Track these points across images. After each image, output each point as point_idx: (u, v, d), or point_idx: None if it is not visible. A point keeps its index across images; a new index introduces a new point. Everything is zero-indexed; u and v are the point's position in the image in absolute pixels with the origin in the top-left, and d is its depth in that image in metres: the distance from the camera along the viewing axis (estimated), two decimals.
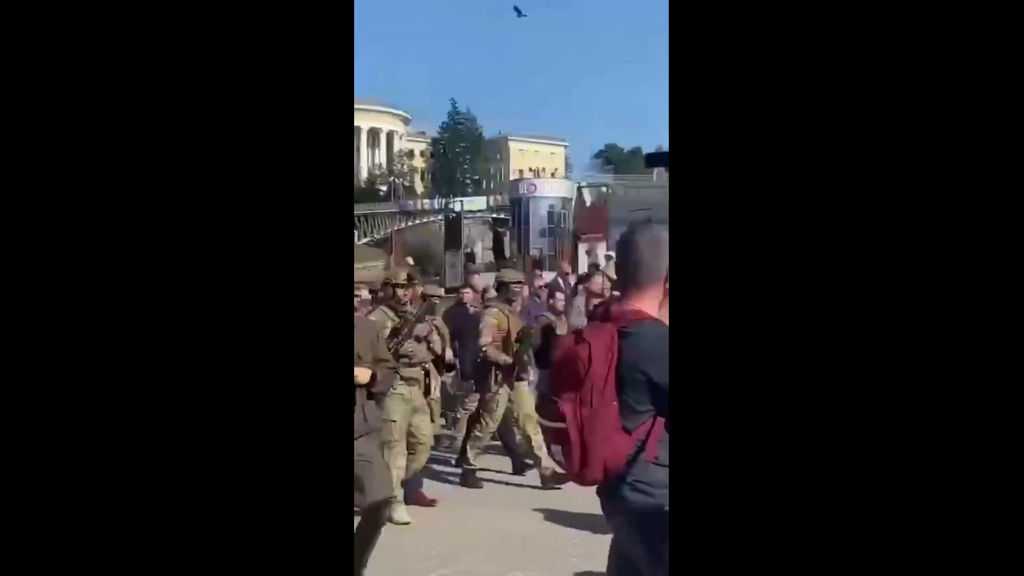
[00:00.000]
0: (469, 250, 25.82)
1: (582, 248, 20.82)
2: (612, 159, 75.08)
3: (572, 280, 10.68)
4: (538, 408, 3.14)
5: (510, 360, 6.16)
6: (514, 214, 30.96)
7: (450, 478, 6.52)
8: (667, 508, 1.86)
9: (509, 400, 6.28)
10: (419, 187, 66.47)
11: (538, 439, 6.24)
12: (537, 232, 28.92)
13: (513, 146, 75.33)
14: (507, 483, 6.46)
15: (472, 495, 6.12)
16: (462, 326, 6.89)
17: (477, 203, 39.32)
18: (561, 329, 7.20)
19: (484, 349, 6.15)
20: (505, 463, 6.71)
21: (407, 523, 5.14)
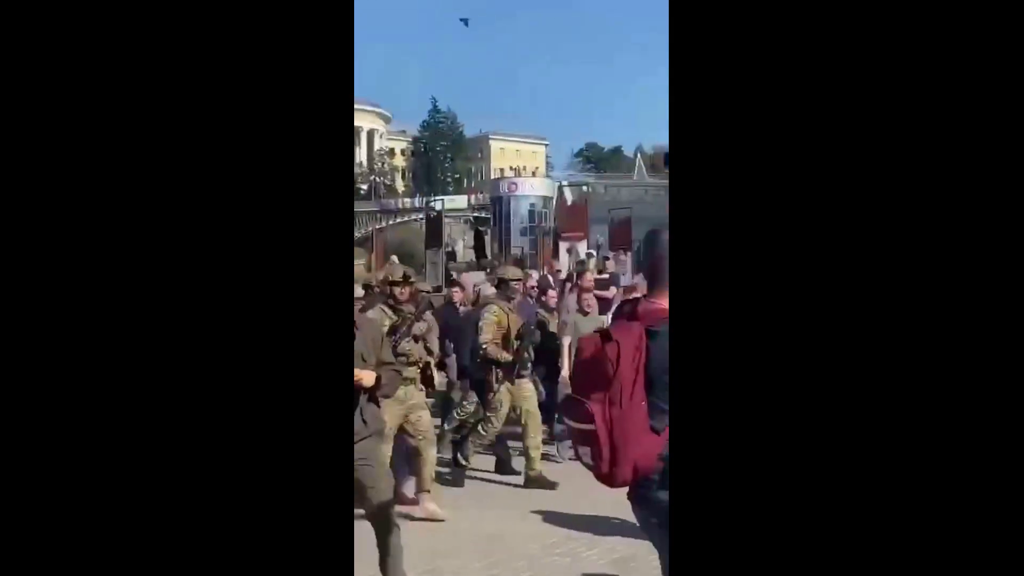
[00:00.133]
0: (450, 249, 25.76)
1: (563, 247, 20.82)
2: (593, 158, 75.26)
3: (561, 277, 10.78)
4: (563, 408, 3.09)
5: (510, 358, 6.13)
6: (495, 213, 30.94)
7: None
8: None
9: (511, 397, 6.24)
10: (400, 186, 66.27)
11: (536, 440, 6.24)
12: (518, 231, 28.91)
13: (494, 145, 75.28)
14: (489, 481, 6.45)
15: (454, 494, 6.10)
16: (452, 325, 6.87)
17: (458, 202, 39.24)
18: (553, 326, 7.21)
19: (484, 347, 6.11)
20: (488, 461, 6.70)
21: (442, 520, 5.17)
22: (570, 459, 6.98)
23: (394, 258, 15.58)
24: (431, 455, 5.46)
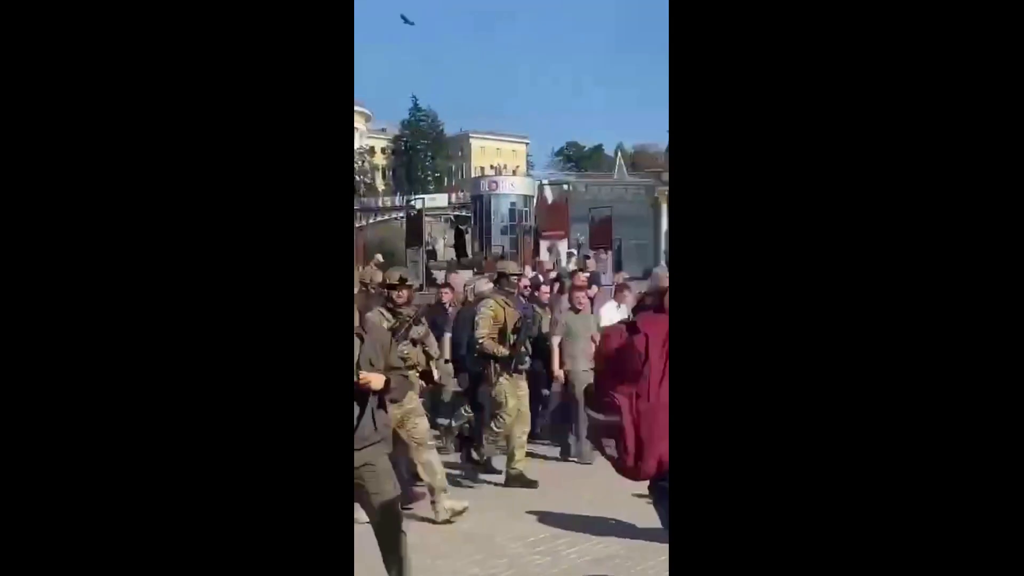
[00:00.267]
0: (431, 247, 25.70)
1: (544, 245, 20.85)
2: (573, 157, 75.27)
3: (552, 276, 10.90)
4: (588, 401, 3.05)
5: (507, 352, 6.10)
6: (475, 211, 30.89)
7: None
8: None
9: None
10: (380, 184, 66.03)
11: (522, 439, 6.22)
12: (499, 229, 28.89)
13: (474, 143, 75.14)
14: (468, 480, 6.43)
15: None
16: (439, 326, 6.86)
17: (439, 200, 39.16)
18: (545, 323, 7.21)
19: (480, 342, 6.08)
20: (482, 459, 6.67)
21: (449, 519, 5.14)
22: (566, 457, 6.98)
23: (379, 256, 15.51)
24: (433, 458, 5.37)
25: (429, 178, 65.22)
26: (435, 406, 7.39)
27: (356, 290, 6.01)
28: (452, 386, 7.22)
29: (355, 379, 3.27)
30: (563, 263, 16.32)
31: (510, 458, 6.19)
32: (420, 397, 5.54)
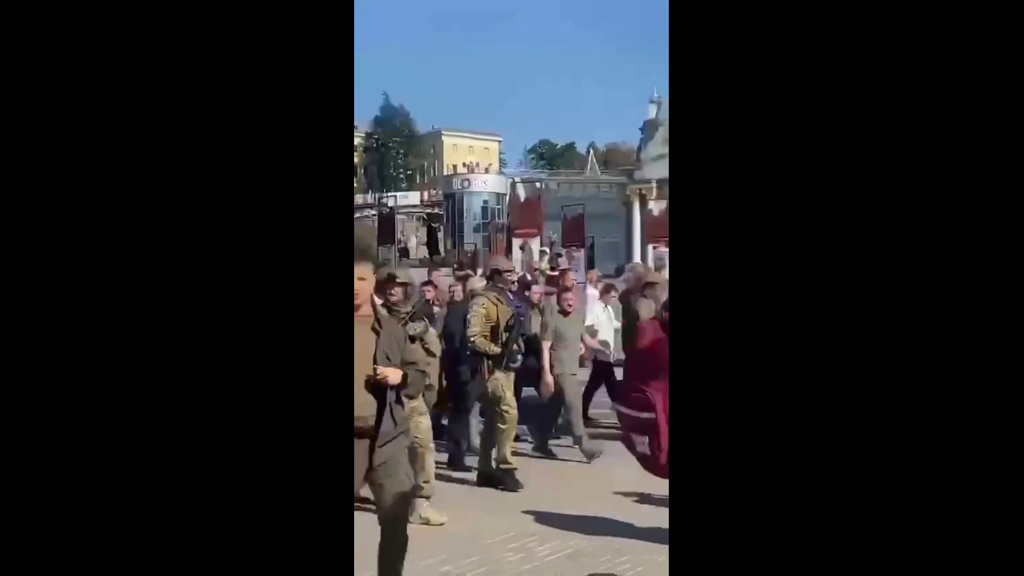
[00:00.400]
0: (403, 245, 25.66)
1: (516, 243, 20.86)
2: (546, 155, 75.45)
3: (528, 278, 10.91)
4: (619, 396, 3.01)
5: (499, 350, 6.08)
6: (448, 209, 30.92)
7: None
8: None
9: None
10: (352, 182, 65.91)
11: (511, 436, 6.21)
12: (471, 227, 28.93)
13: (447, 141, 75.01)
14: (440, 478, 6.43)
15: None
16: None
17: (411, 198, 39.12)
18: (536, 324, 7.20)
19: (472, 339, 6.07)
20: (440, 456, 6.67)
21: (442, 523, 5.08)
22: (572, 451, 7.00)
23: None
24: (429, 461, 5.34)
25: (401, 176, 65.02)
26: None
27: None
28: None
29: (373, 373, 3.29)
30: (536, 260, 16.35)
31: (502, 460, 6.14)
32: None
